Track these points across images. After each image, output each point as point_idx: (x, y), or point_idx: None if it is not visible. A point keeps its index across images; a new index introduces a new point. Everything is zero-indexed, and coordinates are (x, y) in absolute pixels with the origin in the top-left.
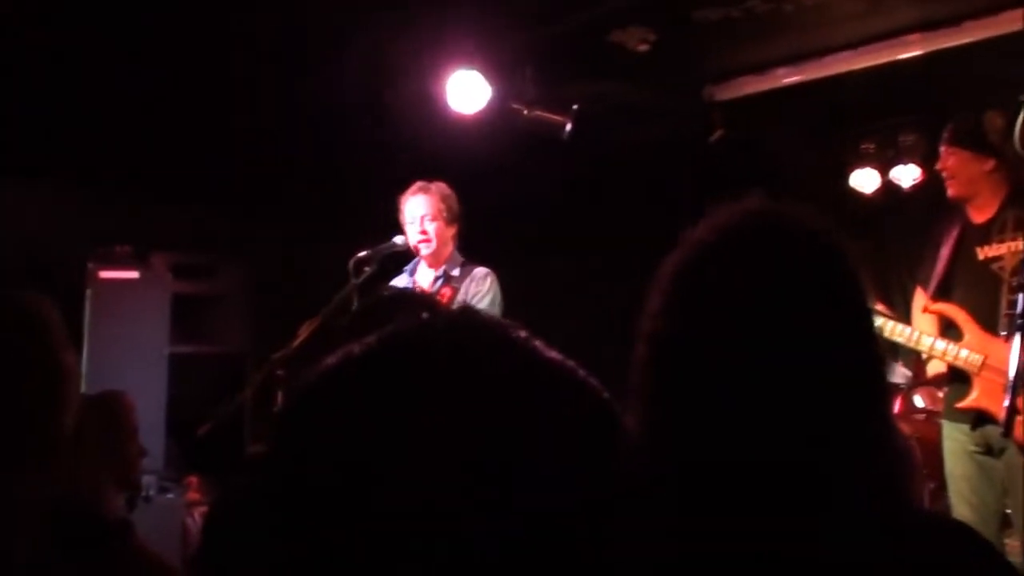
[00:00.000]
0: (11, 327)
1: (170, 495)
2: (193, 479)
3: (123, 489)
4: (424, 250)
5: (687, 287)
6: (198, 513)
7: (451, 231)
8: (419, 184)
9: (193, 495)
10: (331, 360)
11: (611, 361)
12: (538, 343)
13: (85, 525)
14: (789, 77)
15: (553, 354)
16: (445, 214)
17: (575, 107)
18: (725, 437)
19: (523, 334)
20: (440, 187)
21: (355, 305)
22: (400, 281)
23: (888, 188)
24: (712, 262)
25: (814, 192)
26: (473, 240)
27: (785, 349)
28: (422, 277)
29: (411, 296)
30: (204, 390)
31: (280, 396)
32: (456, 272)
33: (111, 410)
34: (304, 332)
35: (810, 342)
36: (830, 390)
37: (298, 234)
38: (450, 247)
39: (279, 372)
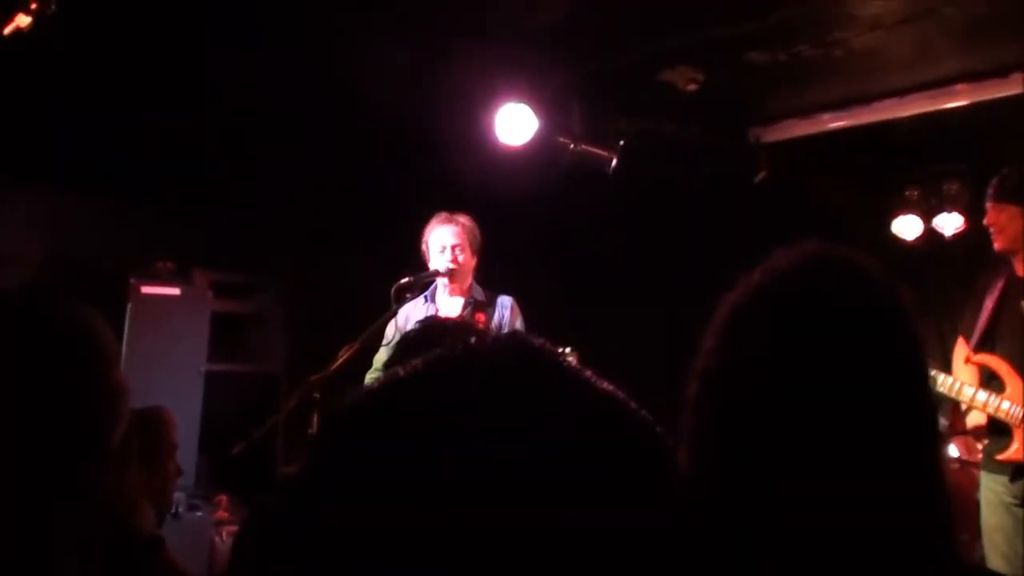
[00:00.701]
0: (69, 341)
1: (199, 513)
2: (223, 497)
3: (156, 505)
4: (455, 277)
5: (741, 328)
6: (226, 532)
7: (474, 262)
8: (445, 215)
9: (222, 513)
10: (377, 383)
11: (653, 396)
12: (590, 372)
13: (124, 540)
14: (836, 122)
15: (605, 384)
16: (472, 245)
17: (621, 142)
18: (771, 482)
19: (574, 362)
20: (467, 219)
21: (393, 332)
22: (418, 308)
23: (930, 236)
24: (767, 304)
25: (856, 237)
26: (513, 270)
27: (838, 396)
28: (446, 304)
29: (455, 324)
30: (238, 408)
31: (316, 418)
32: (482, 298)
33: (155, 426)
34: (342, 356)
35: (864, 389)
36: (883, 438)
37: (338, 259)
38: (470, 277)
39: (316, 395)
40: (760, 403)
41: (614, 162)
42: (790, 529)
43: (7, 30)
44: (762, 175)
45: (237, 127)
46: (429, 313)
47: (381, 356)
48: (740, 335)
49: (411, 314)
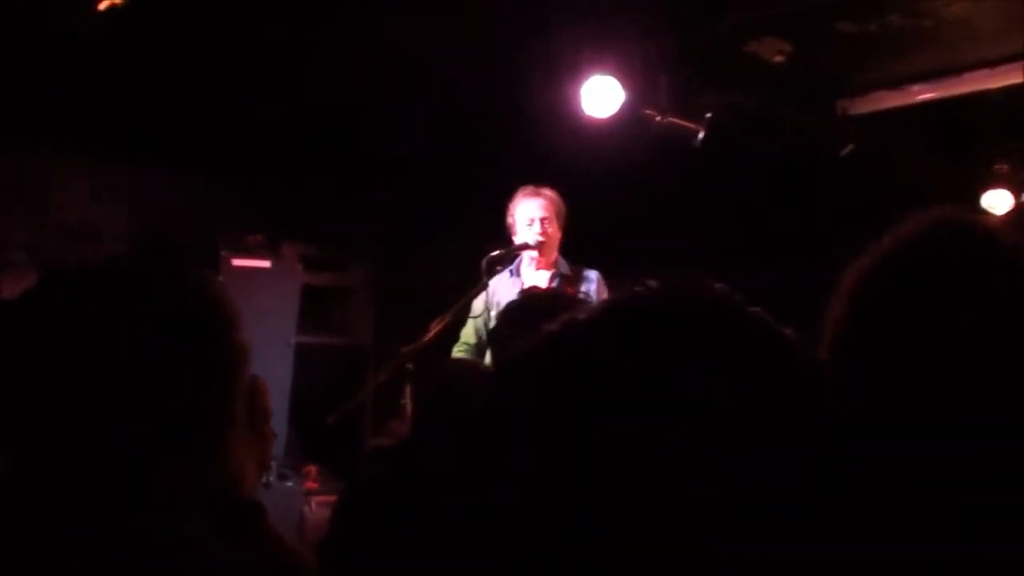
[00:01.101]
0: (198, 306)
1: (289, 483)
2: (312, 468)
3: (259, 470)
4: (543, 250)
5: (872, 295)
6: (315, 502)
7: (560, 235)
8: (532, 188)
9: (311, 484)
10: (551, 328)
11: None
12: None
13: (234, 507)
14: (924, 93)
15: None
16: (559, 218)
17: (708, 115)
18: (905, 446)
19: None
20: (552, 192)
21: (481, 306)
22: (503, 281)
23: (1021, 210)
24: (898, 270)
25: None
26: (598, 244)
27: (973, 359)
28: (532, 277)
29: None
30: (327, 381)
31: (408, 390)
32: (568, 272)
33: (253, 392)
34: (434, 328)
35: (997, 356)
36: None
37: (426, 233)
38: (557, 250)
39: (408, 366)
40: (896, 369)
41: (701, 135)
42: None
43: (102, 5)
44: (849, 148)
45: (327, 100)
46: (515, 287)
47: (469, 330)
48: (872, 302)
49: (498, 288)
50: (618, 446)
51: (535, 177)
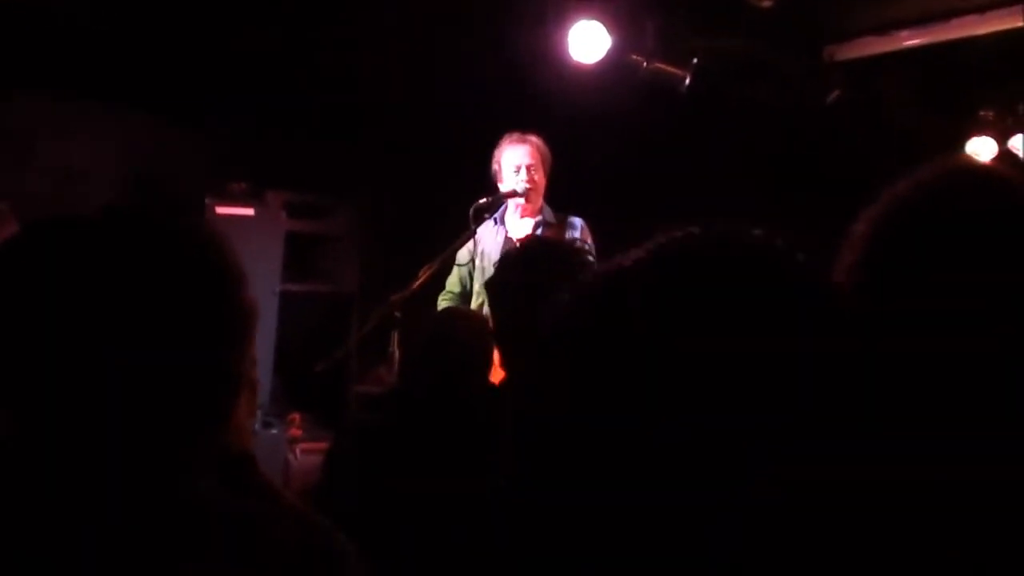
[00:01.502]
0: (208, 262)
1: (273, 430)
2: (296, 416)
3: (251, 421)
4: (529, 197)
5: (887, 242)
6: (300, 449)
7: (544, 181)
8: (518, 135)
9: (295, 431)
10: (597, 272)
11: None
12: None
13: (235, 460)
14: (911, 39)
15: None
16: (544, 165)
17: (695, 61)
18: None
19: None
20: (538, 139)
21: (467, 255)
22: (487, 230)
23: (1005, 157)
24: (913, 217)
25: (929, 158)
26: (583, 190)
27: (995, 305)
28: (516, 225)
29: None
30: (312, 329)
31: (396, 337)
32: (552, 219)
33: None
34: (423, 275)
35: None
36: None
37: (410, 179)
38: (542, 197)
39: (396, 314)
40: (914, 315)
41: (687, 81)
42: None
43: None
44: (835, 94)
45: (307, 44)
46: (500, 235)
47: (453, 279)
48: (890, 248)
49: (483, 236)
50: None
51: (521, 124)
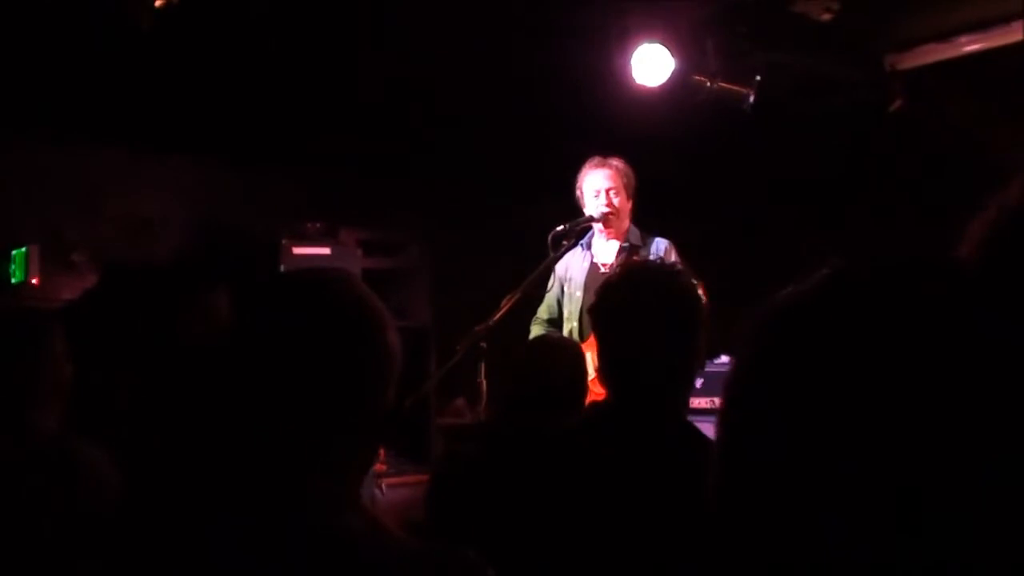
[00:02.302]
0: (353, 308)
1: None
2: (380, 450)
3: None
4: (609, 222)
5: (1006, 243)
6: (386, 484)
7: (629, 205)
8: (599, 159)
9: (380, 466)
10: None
11: None
12: None
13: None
14: (973, 44)
15: None
16: (627, 188)
17: (758, 78)
18: None
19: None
20: (620, 162)
21: (553, 281)
22: (576, 255)
23: None
24: None
25: (1000, 164)
26: (654, 214)
27: None
28: (602, 249)
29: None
30: None
31: (483, 367)
32: (637, 241)
33: None
34: (505, 305)
35: None
36: None
37: (483, 212)
38: (628, 220)
39: (482, 344)
40: None
41: (751, 98)
42: None
43: (158, 2)
44: (897, 104)
45: (376, 83)
46: (586, 260)
47: (544, 305)
48: (1008, 250)
49: (570, 263)
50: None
51: (589, 150)
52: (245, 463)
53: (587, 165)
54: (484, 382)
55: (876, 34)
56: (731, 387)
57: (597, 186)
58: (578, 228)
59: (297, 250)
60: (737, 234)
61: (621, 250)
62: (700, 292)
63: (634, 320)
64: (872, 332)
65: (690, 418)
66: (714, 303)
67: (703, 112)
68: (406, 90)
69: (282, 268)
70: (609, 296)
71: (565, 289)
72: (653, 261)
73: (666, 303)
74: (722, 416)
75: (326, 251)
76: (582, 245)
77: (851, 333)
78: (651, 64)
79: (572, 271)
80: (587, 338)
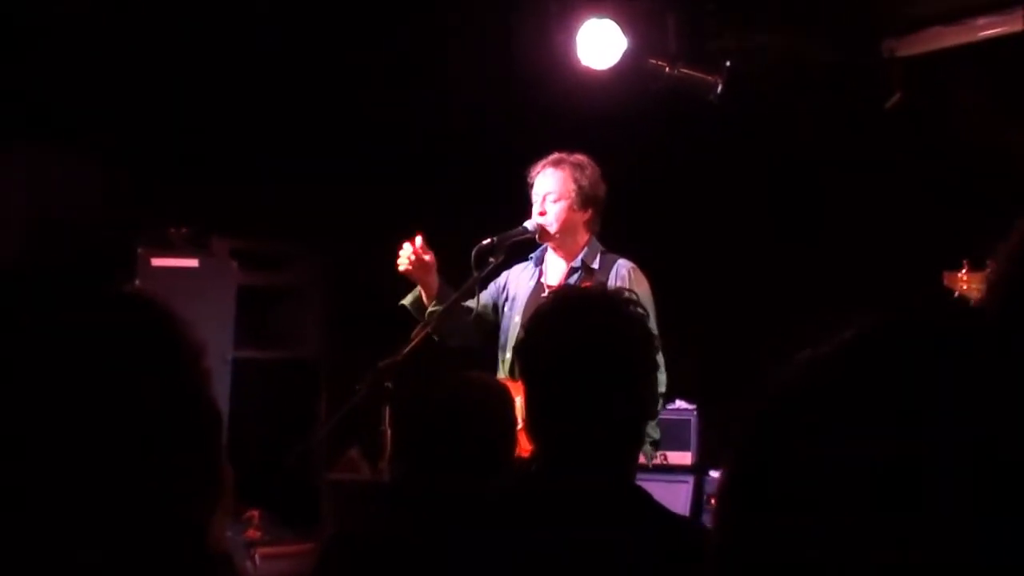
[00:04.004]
0: (150, 344)
1: (227, 532)
2: (254, 513)
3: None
4: (545, 236)
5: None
6: (260, 554)
7: (582, 216)
8: (553, 156)
9: (253, 532)
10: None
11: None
12: None
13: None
14: (989, 29)
15: None
16: (575, 194)
17: (727, 63)
18: None
19: None
20: (576, 162)
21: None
22: (524, 272)
23: None
24: None
25: (1012, 170)
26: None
27: None
28: (552, 269)
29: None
30: (271, 404)
31: (389, 413)
32: (596, 264)
33: None
34: (417, 336)
35: None
36: None
37: (390, 215)
38: (583, 235)
39: (387, 384)
40: None
41: (719, 87)
42: None
43: None
44: (896, 98)
45: (250, 65)
46: (534, 279)
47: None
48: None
49: (517, 278)
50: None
51: (524, 145)
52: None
53: (539, 163)
54: (388, 431)
55: (871, 14)
56: (743, 480)
57: (537, 189)
58: (508, 243)
59: (157, 261)
60: (702, 252)
61: (570, 272)
62: (650, 325)
63: (566, 360)
64: (923, 409)
65: (640, 479)
66: (674, 336)
67: (661, 103)
68: (299, 68)
69: (136, 283)
70: (536, 330)
71: (505, 310)
72: (596, 287)
73: (606, 339)
74: (726, 520)
75: (192, 263)
76: (533, 259)
77: (902, 413)
78: (599, 43)
79: (516, 289)
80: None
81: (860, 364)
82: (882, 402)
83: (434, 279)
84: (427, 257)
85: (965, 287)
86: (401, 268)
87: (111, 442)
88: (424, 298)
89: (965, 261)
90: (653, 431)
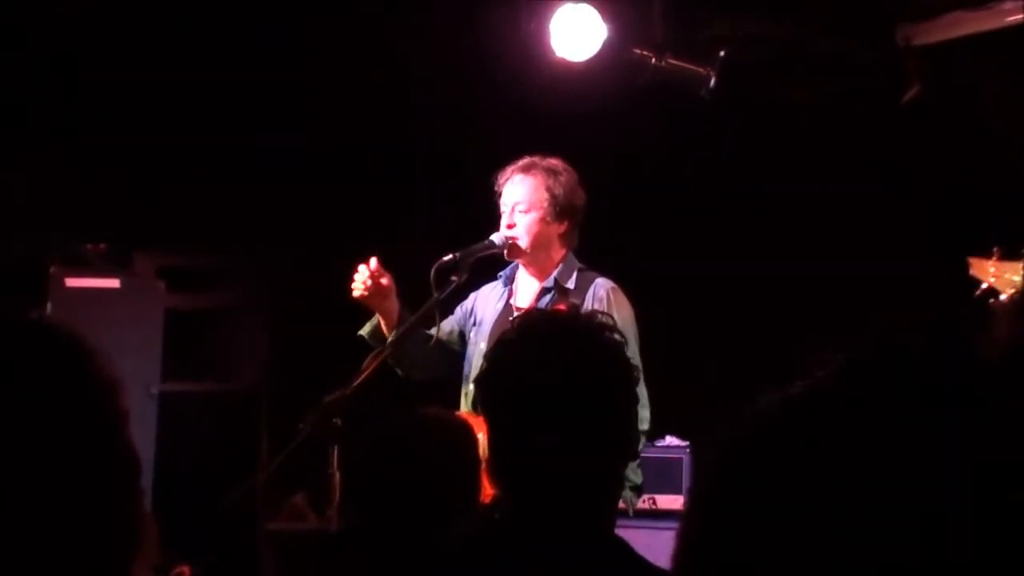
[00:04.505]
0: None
1: None
2: (183, 569)
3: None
4: (514, 252)
5: None
6: None
7: (557, 228)
8: (523, 161)
9: None
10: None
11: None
12: None
13: None
14: (1016, 14)
15: None
16: (548, 204)
17: (721, 54)
18: None
19: None
20: (549, 167)
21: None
22: (493, 292)
23: None
24: None
25: None
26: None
27: None
28: (523, 288)
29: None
30: (206, 443)
31: (336, 454)
32: (571, 284)
33: None
34: (369, 366)
35: None
36: None
37: (342, 227)
38: (558, 250)
39: (335, 420)
40: None
41: (712, 81)
42: None
43: None
44: (914, 91)
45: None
46: (503, 300)
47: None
48: None
49: (485, 303)
50: None
51: (494, 147)
52: None
53: (508, 168)
54: (337, 474)
55: None
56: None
57: (505, 199)
58: (473, 259)
59: (72, 282)
60: (695, 269)
61: (541, 293)
62: (629, 352)
63: (531, 394)
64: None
65: (621, 528)
66: (664, 365)
67: (647, 99)
68: (236, 58)
69: (48, 307)
70: (499, 360)
71: (471, 336)
72: (569, 311)
73: (577, 369)
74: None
75: (113, 283)
76: (502, 278)
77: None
78: (576, 32)
79: (484, 312)
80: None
81: (832, 414)
82: (856, 465)
83: (393, 304)
84: (384, 280)
85: (994, 279)
86: (355, 294)
87: (9, 491)
88: (383, 327)
89: (996, 248)
90: (634, 474)
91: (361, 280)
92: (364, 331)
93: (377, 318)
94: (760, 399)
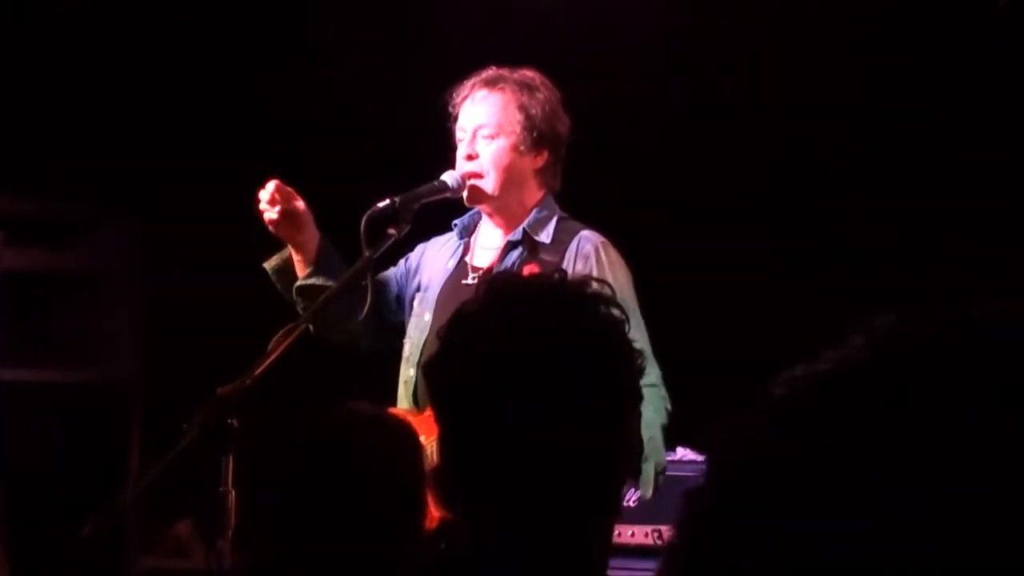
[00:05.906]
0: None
1: None
2: None
3: None
4: (476, 195)
5: None
6: None
7: (533, 162)
8: (487, 73)
9: None
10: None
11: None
12: None
13: None
14: None
15: None
16: (522, 128)
17: None
18: None
19: None
20: (523, 81)
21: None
22: (445, 248)
23: None
24: None
25: None
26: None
27: None
28: (483, 242)
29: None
30: (59, 449)
31: (232, 467)
32: (546, 238)
33: None
34: (276, 348)
35: None
36: None
37: (227, 168)
38: (534, 192)
39: (231, 421)
40: None
41: None
42: None
43: None
44: None
45: None
46: (455, 257)
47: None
48: None
49: (433, 261)
50: None
51: (433, 71)
52: None
53: (465, 83)
54: (232, 492)
55: None
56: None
57: (464, 123)
58: (418, 205)
59: None
60: (717, 237)
61: (507, 248)
62: (631, 334)
63: (497, 387)
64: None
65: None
66: (674, 358)
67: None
68: None
69: None
70: (454, 340)
71: (415, 304)
72: (551, 275)
73: (561, 356)
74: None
75: None
76: (457, 228)
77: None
78: None
79: (431, 272)
80: (428, 407)
81: (856, 407)
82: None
83: (311, 237)
84: (298, 204)
85: None
86: (266, 218)
87: None
88: (296, 264)
89: None
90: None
91: (267, 201)
92: (269, 264)
93: (288, 250)
94: (777, 382)
